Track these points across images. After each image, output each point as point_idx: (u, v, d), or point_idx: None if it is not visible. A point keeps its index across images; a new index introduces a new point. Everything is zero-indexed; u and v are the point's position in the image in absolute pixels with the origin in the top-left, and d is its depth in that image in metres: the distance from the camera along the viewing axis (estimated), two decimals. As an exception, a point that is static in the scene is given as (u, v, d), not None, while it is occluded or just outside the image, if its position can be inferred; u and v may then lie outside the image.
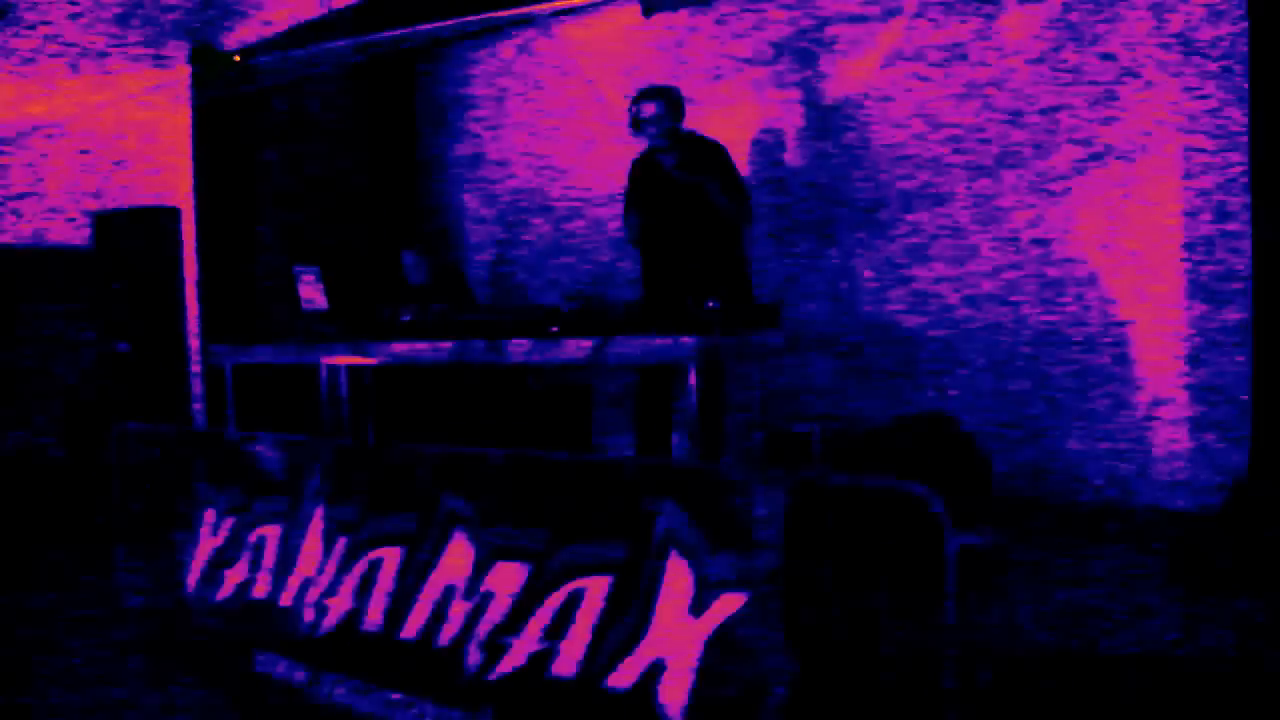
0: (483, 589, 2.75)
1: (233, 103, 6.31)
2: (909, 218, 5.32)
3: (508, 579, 2.69)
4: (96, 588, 4.36)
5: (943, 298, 5.20)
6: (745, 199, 4.60)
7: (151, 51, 6.68)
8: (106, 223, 6.89)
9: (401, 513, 3.03)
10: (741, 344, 3.14)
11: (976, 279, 5.12)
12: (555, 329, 3.23)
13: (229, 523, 3.74)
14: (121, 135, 6.89)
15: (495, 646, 2.67)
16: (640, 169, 4.73)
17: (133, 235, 6.80)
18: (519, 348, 3.31)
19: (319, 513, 3.33)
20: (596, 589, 2.48)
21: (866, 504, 2.07)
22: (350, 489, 3.23)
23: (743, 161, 5.36)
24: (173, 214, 6.65)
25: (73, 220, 7.01)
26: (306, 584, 3.34)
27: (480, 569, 2.76)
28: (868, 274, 5.42)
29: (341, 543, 3.22)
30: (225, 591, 3.67)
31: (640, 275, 4.74)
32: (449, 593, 2.84)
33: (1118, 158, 4.77)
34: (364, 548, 3.13)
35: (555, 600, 2.56)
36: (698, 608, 2.28)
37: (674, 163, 4.44)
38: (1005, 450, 4.73)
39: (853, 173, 5.51)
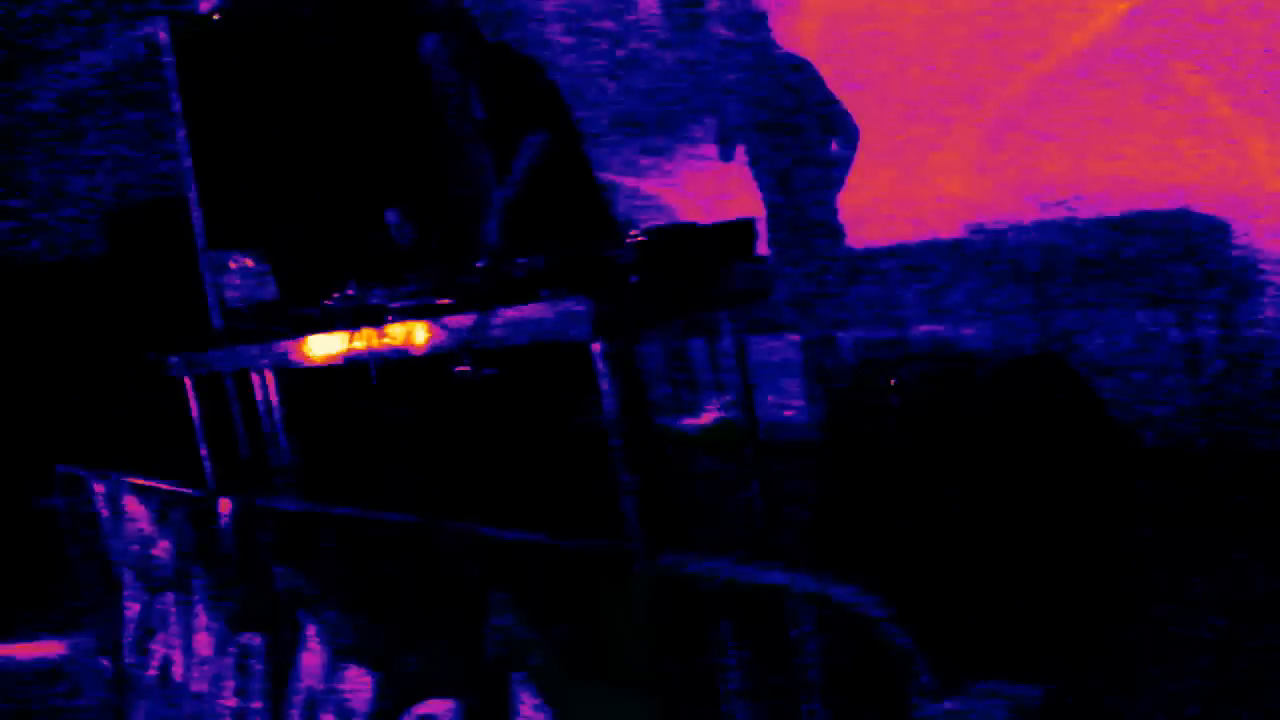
0: (338, 694, 1.97)
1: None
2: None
3: (359, 687, 1.90)
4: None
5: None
6: None
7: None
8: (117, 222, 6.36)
9: (258, 589, 2.27)
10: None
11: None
12: (450, 302, 2.38)
13: (141, 586, 3.10)
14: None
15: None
16: None
17: (146, 233, 6.24)
18: (413, 337, 2.48)
19: (198, 581, 2.62)
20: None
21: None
22: (219, 555, 2.50)
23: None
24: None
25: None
26: (203, 664, 2.65)
27: (333, 670, 1.98)
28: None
29: (219, 626, 2.50)
30: (151, 668, 3.05)
31: None
32: (312, 699, 2.07)
33: None
34: (234, 633, 2.40)
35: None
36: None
37: None
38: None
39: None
